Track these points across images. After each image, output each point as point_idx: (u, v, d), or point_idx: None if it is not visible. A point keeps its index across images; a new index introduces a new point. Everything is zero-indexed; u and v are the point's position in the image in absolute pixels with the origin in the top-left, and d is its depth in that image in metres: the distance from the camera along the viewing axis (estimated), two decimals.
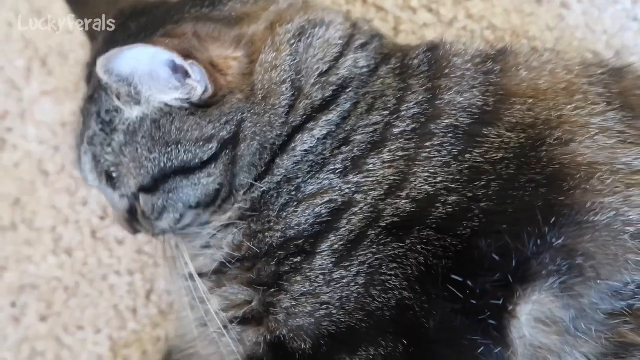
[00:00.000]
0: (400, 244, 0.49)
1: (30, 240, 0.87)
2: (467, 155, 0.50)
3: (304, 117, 0.57)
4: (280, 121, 0.57)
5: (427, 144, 0.51)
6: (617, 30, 0.76)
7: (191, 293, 0.60)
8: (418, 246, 0.48)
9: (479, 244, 0.47)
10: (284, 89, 0.56)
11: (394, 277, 0.49)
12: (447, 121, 0.52)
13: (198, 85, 0.55)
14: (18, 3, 0.93)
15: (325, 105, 0.57)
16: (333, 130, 0.55)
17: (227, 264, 0.57)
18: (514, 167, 0.49)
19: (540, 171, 0.48)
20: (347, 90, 0.57)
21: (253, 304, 0.54)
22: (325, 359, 0.50)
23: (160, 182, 0.58)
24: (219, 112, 0.56)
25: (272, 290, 0.53)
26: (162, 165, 0.57)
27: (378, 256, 0.49)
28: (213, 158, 0.57)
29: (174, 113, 0.57)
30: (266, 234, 0.54)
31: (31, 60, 0.91)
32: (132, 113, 0.58)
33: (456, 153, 0.51)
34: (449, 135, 0.52)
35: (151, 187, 0.58)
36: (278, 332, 0.52)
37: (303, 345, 0.51)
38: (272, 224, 0.54)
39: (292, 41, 0.58)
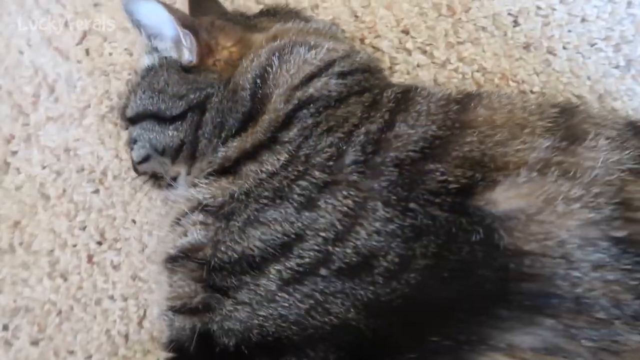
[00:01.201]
0: (350, 284, 0.50)
1: (27, 262, 0.88)
2: (411, 206, 0.51)
3: (269, 134, 0.60)
4: (236, 115, 0.64)
5: (375, 185, 0.53)
6: (600, 76, 0.80)
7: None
8: (369, 287, 0.50)
9: (421, 298, 0.49)
10: (243, 94, 0.64)
11: (339, 306, 0.50)
12: (392, 154, 0.54)
13: (187, 51, 0.67)
14: (30, 31, 0.97)
15: (287, 122, 0.60)
16: (294, 152, 0.58)
17: (184, 257, 0.59)
18: (452, 221, 0.49)
19: (474, 229, 0.48)
20: (309, 107, 0.60)
21: (194, 299, 0.57)
22: (245, 359, 0.52)
23: (141, 118, 0.70)
24: (194, 78, 0.67)
25: (217, 294, 0.55)
26: (145, 105, 0.69)
27: (326, 290, 0.51)
28: (181, 116, 0.67)
29: (168, 69, 0.69)
30: (228, 248, 0.56)
31: (39, 86, 0.94)
32: (146, 61, 0.72)
33: (400, 203, 0.51)
34: (395, 172, 0.53)
35: (134, 119, 0.71)
36: (209, 326, 0.54)
37: (227, 342, 0.53)
38: (234, 239, 0.56)
39: (269, 54, 0.65)
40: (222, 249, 0.56)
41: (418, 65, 0.85)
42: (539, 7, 0.84)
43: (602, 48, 0.81)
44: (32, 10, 0.98)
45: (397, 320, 0.49)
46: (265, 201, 0.56)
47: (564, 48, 0.82)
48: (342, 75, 0.64)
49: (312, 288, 0.51)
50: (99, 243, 0.87)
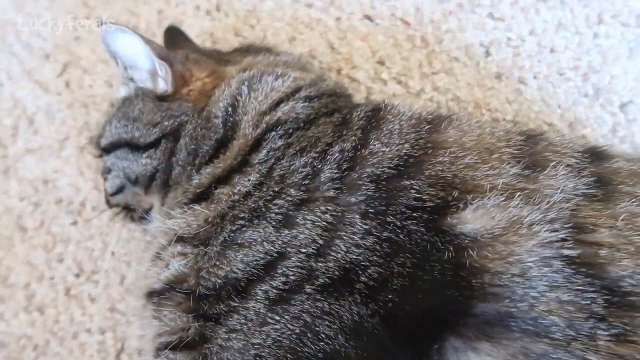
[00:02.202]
0: (334, 302, 0.51)
1: (2, 296, 0.87)
2: (389, 219, 0.52)
3: (239, 158, 0.62)
4: (209, 142, 0.65)
5: (352, 199, 0.54)
6: (570, 105, 0.82)
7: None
8: (351, 306, 0.51)
9: (399, 315, 0.50)
10: (216, 122, 0.65)
11: (327, 328, 0.51)
12: (368, 170, 0.55)
13: (163, 81, 0.69)
14: (10, 64, 0.98)
15: (256, 145, 0.62)
16: (266, 173, 0.59)
17: (169, 290, 0.59)
18: (426, 240, 0.51)
19: (446, 248, 0.50)
20: (277, 129, 0.62)
21: (189, 331, 0.56)
22: None
23: (115, 147, 0.71)
24: (168, 106, 0.68)
25: (209, 323, 0.55)
26: (119, 133, 0.70)
27: (313, 310, 0.51)
28: (155, 143, 0.67)
29: (142, 98, 0.70)
30: (210, 274, 0.56)
31: (19, 119, 0.94)
32: (121, 92, 0.73)
33: (378, 217, 0.53)
34: (372, 187, 0.54)
35: (108, 148, 0.72)
36: (209, 359, 0.54)
37: None
38: (215, 264, 0.56)
39: (238, 83, 0.67)
40: (205, 275, 0.56)
41: (394, 95, 0.86)
42: (509, 38, 0.86)
43: (571, 77, 0.83)
44: (13, 43, 0.99)
45: (381, 348, 0.49)
46: (241, 222, 0.57)
47: (535, 77, 0.84)
48: (308, 99, 0.66)
49: (300, 308, 0.52)
50: (77, 275, 0.87)
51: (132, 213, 0.76)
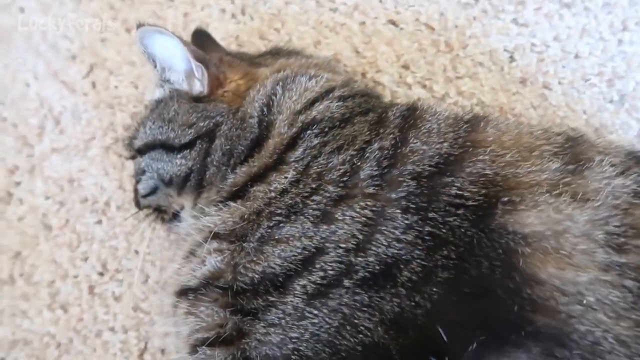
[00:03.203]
0: (375, 295, 0.51)
1: (27, 294, 0.87)
2: (430, 215, 0.52)
3: (275, 156, 0.62)
4: (245, 142, 0.66)
5: (393, 195, 0.54)
6: (595, 111, 0.83)
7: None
8: (393, 298, 0.50)
9: (442, 317, 0.49)
10: (251, 122, 0.66)
11: (367, 321, 0.51)
12: (410, 167, 0.55)
13: (199, 83, 0.69)
14: (37, 65, 0.99)
15: (292, 144, 0.63)
16: (302, 170, 0.59)
17: (206, 286, 0.59)
18: (470, 235, 0.50)
19: (493, 246, 0.49)
20: (313, 128, 0.63)
21: (227, 327, 0.56)
22: None
23: (149, 148, 0.71)
24: (204, 107, 0.69)
25: (247, 318, 0.55)
26: (154, 134, 0.70)
27: (352, 303, 0.51)
28: (190, 144, 0.68)
29: (178, 99, 0.70)
30: (247, 269, 0.56)
31: (45, 118, 0.95)
32: (156, 94, 0.74)
33: (419, 212, 0.53)
34: (413, 184, 0.54)
35: (143, 150, 0.72)
36: (248, 354, 0.54)
37: None
38: (252, 259, 0.56)
39: (273, 84, 0.68)
40: (242, 271, 0.56)
41: (418, 99, 0.87)
42: (533, 44, 0.87)
43: (595, 83, 0.84)
44: (39, 44, 1.01)
45: (421, 340, 0.49)
46: (278, 218, 0.57)
47: (559, 83, 0.85)
48: (342, 98, 0.67)
49: (338, 302, 0.52)
50: (101, 274, 0.87)
51: (163, 214, 0.76)
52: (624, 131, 0.81)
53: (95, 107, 0.95)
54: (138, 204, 0.78)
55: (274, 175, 0.61)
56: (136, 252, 0.87)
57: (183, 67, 0.70)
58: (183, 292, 0.60)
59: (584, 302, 0.46)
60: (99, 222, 0.89)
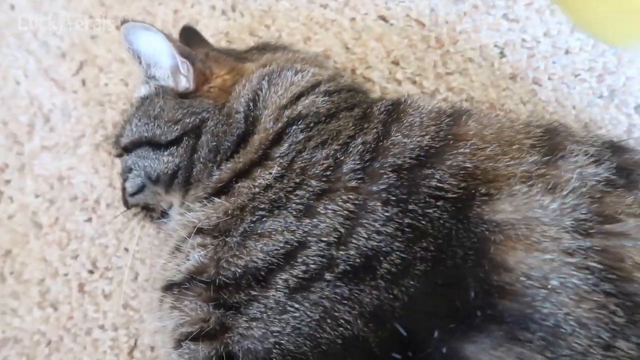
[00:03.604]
0: (355, 288, 0.51)
1: (17, 292, 0.87)
2: (410, 207, 0.52)
3: (260, 152, 0.62)
4: (231, 138, 0.65)
5: (374, 188, 0.54)
6: (584, 106, 0.82)
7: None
8: (372, 291, 0.51)
9: (417, 309, 0.49)
10: (237, 117, 0.66)
11: (347, 314, 0.51)
12: (390, 160, 0.56)
13: (184, 78, 0.69)
14: (27, 62, 0.99)
15: (277, 139, 0.62)
16: (287, 165, 0.59)
17: (190, 280, 0.59)
18: (449, 227, 0.51)
19: (469, 236, 0.50)
20: (299, 123, 0.63)
21: (210, 321, 0.56)
22: None
23: (136, 146, 0.70)
24: (189, 103, 0.68)
25: (229, 312, 0.55)
26: (140, 132, 0.69)
27: (333, 296, 0.51)
28: (176, 141, 0.67)
29: (163, 96, 0.70)
30: (230, 263, 0.56)
31: (35, 116, 0.95)
32: (142, 91, 0.73)
33: (399, 204, 0.53)
34: (393, 176, 0.54)
35: (129, 147, 0.71)
36: (230, 348, 0.54)
37: None
38: (235, 254, 0.56)
39: (258, 79, 0.68)
40: (224, 265, 0.56)
41: (408, 95, 0.86)
42: (524, 40, 0.86)
43: (585, 79, 0.83)
44: (29, 42, 1.00)
45: (398, 333, 0.49)
46: (262, 213, 0.57)
47: (549, 79, 0.84)
48: (328, 93, 0.67)
49: (320, 295, 0.52)
50: (91, 272, 0.87)
51: (152, 213, 0.76)
52: (613, 126, 0.81)
53: (85, 104, 0.95)
54: (126, 203, 0.78)
55: (259, 170, 0.60)
56: (126, 249, 0.87)
57: (168, 63, 0.69)
58: (168, 287, 0.60)
59: (549, 286, 0.47)
60: (89, 220, 0.89)
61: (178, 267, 0.60)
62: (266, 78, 0.67)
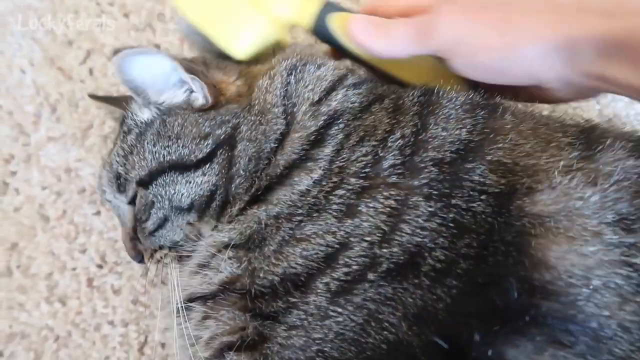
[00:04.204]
0: (399, 286, 0.50)
1: (24, 286, 0.85)
2: (453, 202, 0.51)
3: (302, 153, 0.59)
4: (274, 136, 0.61)
5: (415, 183, 0.53)
6: (609, 101, 0.80)
7: (181, 325, 0.59)
8: (416, 290, 0.49)
9: (464, 301, 0.48)
10: (276, 111, 0.61)
11: (391, 316, 0.49)
12: (431, 154, 0.54)
13: (199, 95, 0.63)
14: (33, 50, 0.96)
15: (320, 140, 0.59)
16: (327, 167, 0.57)
17: (223, 291, 0.57)
18: (491, 222, 0.50)
19: (509, 230, 0.49)
20: (338, 122, 0.60)
21: (248, 330, 0.54)
22: None
23: (156, 176, 0.62)
24: (215, 113, 0.62)
25: (267, 322, 0.53)
26: (161, 157, 0.61)
27: (377, 297, 0.50)
28: (208, 157, 0.61)
29: (178, 113, 0.63)
30: (266, 272, 0.54)
31: (41, 106, 0.93)
32: (144, 115, 0.65)
33: (442, 199, 0.52)
34: (435, 170, 0.53)
35: (147, 180, 0.62)
36: (270, 359, 0.52)
37: None
38: (271, 262, 0.54)
39: (284, 73, 0.64)
40: (260, 275, 0.54)
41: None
42: None
43: None
44: (35, 30, 0.98)
45: (442, 336, 0.48)
46: (299, 218, 0.55)
47: None
48: (356, 86, 0.64)
49: (363, 297, 0.50)
50: (100, 266, 0.85)
51: (178, 249, 0.66)
52: (638, 122, 0.79)
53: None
54: (139, 254, 0.68)
55: (299, 174, 0.57)
56: None
57: (175, 83, 0.63)
58: (197, 299, 0.58)
59: (591, 285, 0.46)
60: (98, 213, 0.87)
61: (209, 281, 0.58)
62: (292, 72, 0.64)
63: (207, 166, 0.61)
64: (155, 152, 0.62)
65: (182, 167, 0.61)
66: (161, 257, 0.67)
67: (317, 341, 0.51)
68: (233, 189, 0.61)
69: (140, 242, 0.68)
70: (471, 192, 0.51)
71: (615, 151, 0.52)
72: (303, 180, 0.57)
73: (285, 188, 0.58)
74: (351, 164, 0.56)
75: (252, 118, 0.62)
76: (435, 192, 0.52)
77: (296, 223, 0.55)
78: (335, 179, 0.56)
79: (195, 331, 0.58)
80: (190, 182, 0.61)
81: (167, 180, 0.61)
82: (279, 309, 0.53)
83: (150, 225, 0.65)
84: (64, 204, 0.88)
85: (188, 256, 0.64)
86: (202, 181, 0.61)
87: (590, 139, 0.54)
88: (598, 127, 0.57)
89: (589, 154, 0.52)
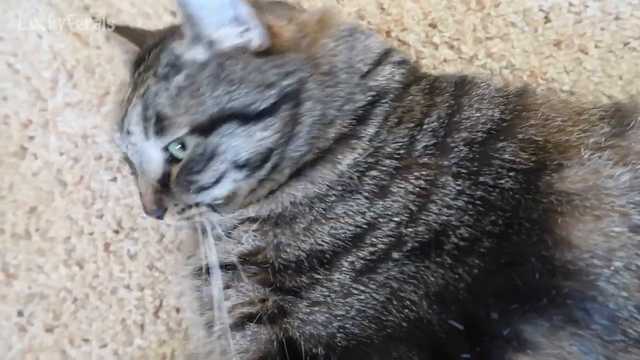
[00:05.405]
0: (421, 265, 0.50)
1: (42, 249, 0.87)
2: (481, 179, 0.52)
3: (349, 128, 0.58)
4: (336, 103, 0.58)
5: (445, 162, 0.53)
6: (632, 76, 0.78)
7: (204, 289, 0.59)
8: (438, 269, 0.50)
9: (480, 291, 0.49)
10: (342, 77, 0.59)
11: (413, 294, 0.50)
12: (463, 134, 0.55)
13: (256, 35, 0.57)
14: (49, 16, 0.96)
15: (365, 116, 0.59)
16: (366, 147, 0.57)
17: (243, 263, 0.57)
18: (517, 199, 0.50)
19: (536, 206, 0.49)
20: (383, 101, 0.60)
21: (268, 303, 0.55)
22: None
23: (217, 123, 0.56)
24: (280, 60, 0.57)
25: (289, 296, 0.54)
26: (223, 103, 0.55)
27: (399, 276, 0.51)
28: (272, 109, 0.56)
29: (238, 57, 0.57)
30: (293, 247, 0.55)
31: (58, 72, 0.93)
32: (197, 55, 0.58)
33: (470, 177, 0.52)
34: (465, 150, 0.53)
35: (207, 127, 0.56)
36: (290, 334, 0.53)
37: (315, 350, 0.51)
38: (300, 238, 0.54)
39: (347, 38, 0.62)
40: (287, 249, 0.55)
41: (445, 60, 0.83)
42: (571, 4, 0.81)
43: (635, 47, 0.79)
44: None
45: (461, 315, 0.48)
46: (332, 199, 0.55)
47: (596, 47, 0.80)
48: (400, 63, 0.64)
49: (386, 276, 0.51)
50: (116, 232, 0.87)
51: (214, 207, 0.61)
52: None
53: (109, 61, 0.92)
54: (162, 209, 0.60)
55: (343, 150, 0.57)
56: None
57: (230, 20, 0.57)
58: (226, 268, 0.58)
59: (612, 267, 0.46)
60: (114, 179, 0.88)
61: (230, 251, 0.58)
62: (348, 37, 0.61)
63: (270, 119, 0.56)
64: (217, 97, 0.55)
65: (244, 117, 0.55)
66: (194, 216, 0.60)
67: (339, 318, 0.51)
68: (289, 152, 0.57)
69: (167, 196, 0.59)
70: (499, 170, 0.51)
71: None
72: (345, 158, 0.56)
73: (327, 166, 0.57)
74: (387, 145, 0.56)
75: (320, 78, 0.58)
76: (464, 171, 0.52)
77: (329, 204, 0.55)
78: (371, 160, 0.56)
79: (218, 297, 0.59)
80: (250, 136, 0.56)
81: (228, 130, 0.56)
82: (302, 284, 0.53)
83: (205, 179, 0.57)
84: (81, 170, 0.89)
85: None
86: (262, 136, 0.56)
87: (622, 114, 0.54)
88: (629, 104, 0.58)
89: (620, 130, 0.52)
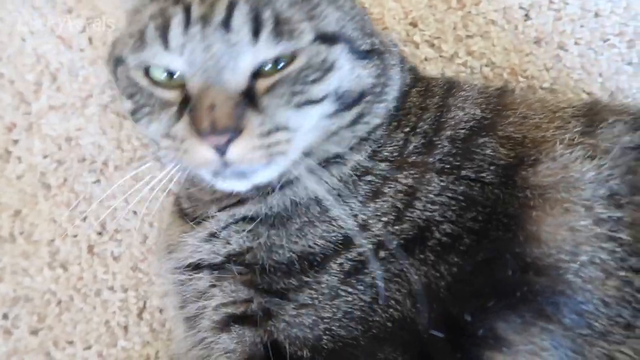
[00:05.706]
0: (405, 260, 0.51)
1: (27, 252, 0.87)
2: (463, 173, 0.53)
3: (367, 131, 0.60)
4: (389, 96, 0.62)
5: (430, 159, 0.55)
6: (612, 73, 0.79)
7: (188, 286, 0.60)
8: (421, 266, 0.51)
9: (467, 272, 0.50)
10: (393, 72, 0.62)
11: (397, 292, 0.51)
12: (448, 132, 0.57)
13: None
14: (33, 19, 0.96)
15: (379, 125, 0.60)
16: (369, 150, 0.59)
17: (228, 263, 0.57)
18: (497, 194, 0.52)
19: (512, 201, 0.51)
20: (393, 106, 0.62)
21: (252, 305, 0.55)
22: None
23: (336, 41, 0.53)
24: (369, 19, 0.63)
25: (275, 298, 0.54)
26: (341, 24, 0.54)
27: (385, 275, 0.51)
28: (369, 54, 0.57)
29: None
30: (284, 249, 0.55)
31: (42, 74, 0.93)
32: None
33: (453, 171, 0.54)
34: (449, 146, 0.55)
35: (330, 37, 0.53)
36: (275, 336, 0.53)
37: (300, 353, 0.52)
38: (291, 240, 0.55)
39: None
40: (278, 251, 0.55)
41: (426, 59, 0.83)
42: (551, 1, 0.82)
43: (615, 44, 0.79)
44: None
45: (442, 314, 0.49)
46: (328, 202, 0.55)
47: (576, 44, 0.80)
48: (410, 70, 0.67)
49: (373, 276, 0.52)
50: (100, 234, 0.87)
51: (291, 142, 0.53)
52: None
53: (93, 63, 0.92)
54: (238, 129, 0.49)
55: (353, 153, 0.58)
56: (135, 212, 0.86)
57: None
58: (203, 267, 0.59)
59: (578, 261, 0.47)
60: (97, 181, 0.88)
61: (217, 251, 0.58)
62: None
63: (368, 62, 0.56)
64: (340, 18, 0.55)
65: (352, 47, 0.55)
66: (279, 143, 0.51)
67: (326, 320, 0.52)
68: (374, 107, 0.58)
69: (254, 111, 0.51)
70: (480, 163, 0.53)
71: (616, 128, 0.53)
72: (355, 159, 0.58)
73: (338, 166, 0.58)
74: (384, 149, 0.58)
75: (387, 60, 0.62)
76: (448, 166, 0.54)
77: (324, 207, 0.55)
78: (367, 164, 0.57)
79: (203, 299, 0.59)
80: (354, 68, 0.54)
81: (345, 50, 0.54)
82: (291, 286, 0.53)
83: (315, 92, 0.52)
84: (64, 172, 0.89)
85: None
86: (361, 73, 0.55)
87: (594, 112, 0.56)
88: (602, 103, 0.59)
89: (590, 129, 0.54)
